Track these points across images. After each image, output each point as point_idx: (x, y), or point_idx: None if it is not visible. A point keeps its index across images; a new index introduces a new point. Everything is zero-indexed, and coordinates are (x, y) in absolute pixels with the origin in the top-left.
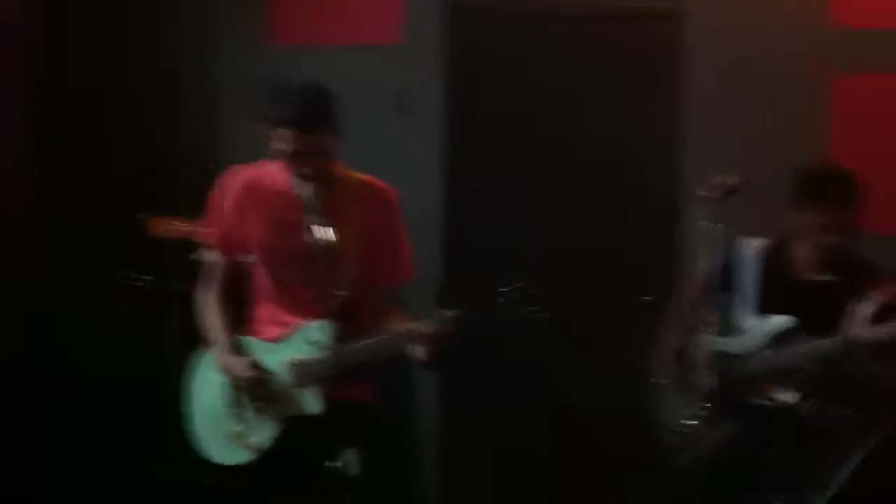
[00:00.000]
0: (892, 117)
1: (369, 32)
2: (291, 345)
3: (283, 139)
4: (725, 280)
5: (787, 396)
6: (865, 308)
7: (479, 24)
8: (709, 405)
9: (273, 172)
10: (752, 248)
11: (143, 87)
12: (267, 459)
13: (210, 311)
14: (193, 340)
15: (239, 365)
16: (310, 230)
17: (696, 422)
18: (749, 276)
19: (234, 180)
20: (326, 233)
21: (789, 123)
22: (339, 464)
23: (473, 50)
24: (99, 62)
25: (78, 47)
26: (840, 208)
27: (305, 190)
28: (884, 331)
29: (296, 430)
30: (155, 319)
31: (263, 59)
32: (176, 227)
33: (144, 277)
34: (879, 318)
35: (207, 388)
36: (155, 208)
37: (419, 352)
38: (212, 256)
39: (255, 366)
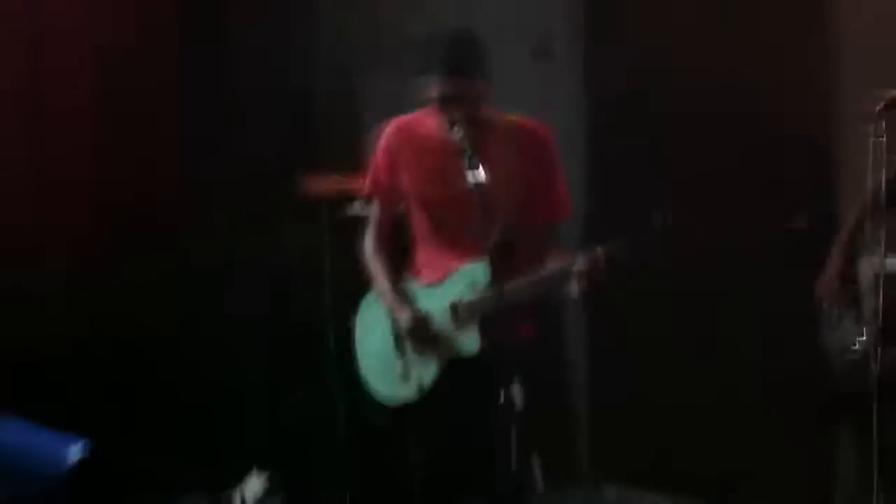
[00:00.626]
0: None
1: None
2: (450, 287)
3: (433, 85)
4: (893, 196)
5: None
6: None
7: None
8: (880, 327)
9: (426, 119)
10: None
11: (279, 43)
12: (432, 397)
13: (372, 260)
14: (353, 294)
15: (401, 313)
16: (464, 174)
17: (867, 345)
18: None
19: (389, 130)
20: (480, 176)
21: None
22: (503, 399)
23: None
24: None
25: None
26: None
27: (458, 135)
28: None
29: (459, 368)
30: (313, 275)
31: (402, 10)
32: (332, 184)
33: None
34: None
35: (373, 330)
36: (305, 167)
37: (576, 288)
38: (370, 206)
39: (416, 312)
